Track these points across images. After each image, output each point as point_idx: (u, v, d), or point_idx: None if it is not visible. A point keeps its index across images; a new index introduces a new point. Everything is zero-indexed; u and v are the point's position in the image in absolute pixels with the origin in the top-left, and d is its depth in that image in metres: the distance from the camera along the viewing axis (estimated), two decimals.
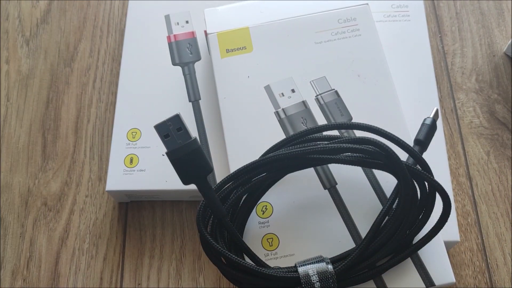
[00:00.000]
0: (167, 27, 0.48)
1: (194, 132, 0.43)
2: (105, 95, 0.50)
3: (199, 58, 0.46)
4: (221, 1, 0.45)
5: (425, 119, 0.38)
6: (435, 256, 0.35)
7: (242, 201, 0.35)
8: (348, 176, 0.37)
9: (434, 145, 0.38)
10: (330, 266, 0.32)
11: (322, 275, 0.32)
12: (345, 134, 0.38)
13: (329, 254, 0.34)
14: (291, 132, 0.38)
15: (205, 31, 0.44)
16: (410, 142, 0.37)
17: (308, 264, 0.33)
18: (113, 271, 0.43)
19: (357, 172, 0.37)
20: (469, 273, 0.42)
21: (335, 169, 0.37)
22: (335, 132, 0.38)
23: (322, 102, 0.39)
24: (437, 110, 0.38)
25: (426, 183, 0.34)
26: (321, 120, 0.39)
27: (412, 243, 0.34)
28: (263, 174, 0.35)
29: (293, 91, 0.40)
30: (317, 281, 0.32)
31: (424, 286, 0.34)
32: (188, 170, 0.32)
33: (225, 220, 0.34)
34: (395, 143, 0.34)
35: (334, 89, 0.39)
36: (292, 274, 0.32)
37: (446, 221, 0.34)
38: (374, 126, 0.35)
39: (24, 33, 0.53)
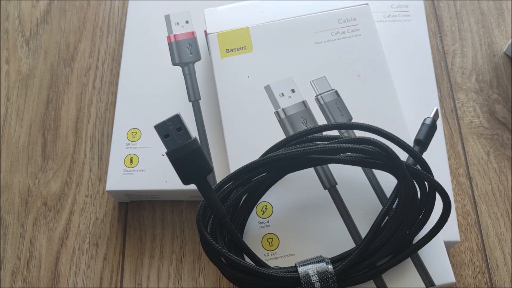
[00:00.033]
0: (167, 27, 0.48)
1: (194, 132, 0.43)
2: (105, 95, 0.50)
3: (199, 58, 0.46)
4: (221, 1, 0.45)
5: (425, 119, 0.38)
6: (435, 256, 0.35)
7: (242, 201, 0.35)
8: (348, 176, 0.37)
9: (434, 145, 0.38)
10: (330, 266, 0.32)
11: (322, 275, 0.32)
12: (345, 134, 0.38)
13: (329, 254, 0.34)
14: (291, 132, 0.38)
15: (205, 31, 0.44)
16: (410, 142, 0.37)
17: (308, 264, 0.33)
18: (113, 271, 0.43)
19: (357, 172, 0.37)
20: (469, 273, 0.42)
21: (335, 169, 0.37)
22: (335, 132, 0.38)
23: (322, 102, 0.39)
24: (437, 110, 0.38)
25: (426, 183, 0.34)
26: (321, 120, 0.39)
27: (412, 243, 0.34)
28: (263, 174, 0.35)
29: (293, 91, 0.40)
30: (317, 281, 0.32)
31: (424, 286, 0.34)
32: (188, 170, 0.32)
33: (225, 220, 0.33)
34: (395, 143, 0.34)
35: (334, 89, 0.39)
36: (292, 274, 0.32)
37: (446, 221, 0.34)
38: (374, 126, 0.35)
39: (24, 33, 0.53)
